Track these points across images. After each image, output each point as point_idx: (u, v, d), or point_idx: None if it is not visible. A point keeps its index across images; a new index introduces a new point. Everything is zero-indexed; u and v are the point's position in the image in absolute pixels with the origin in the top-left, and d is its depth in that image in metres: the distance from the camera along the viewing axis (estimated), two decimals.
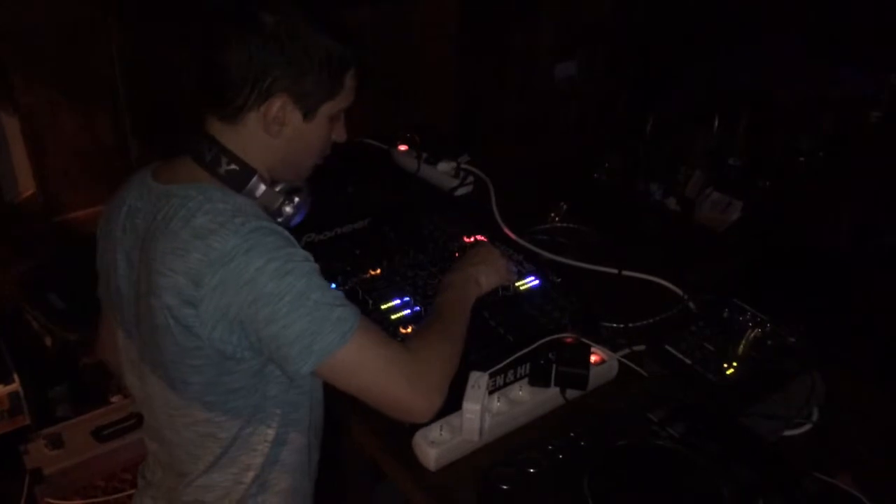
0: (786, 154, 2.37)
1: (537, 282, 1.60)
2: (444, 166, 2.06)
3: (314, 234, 1.73)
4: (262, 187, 1.22)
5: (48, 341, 2.33)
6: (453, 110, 2.96)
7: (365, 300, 1.51)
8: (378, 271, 1.60)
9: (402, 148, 2.14)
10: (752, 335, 1.46)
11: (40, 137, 2.40)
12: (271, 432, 1.29)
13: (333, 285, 1.54)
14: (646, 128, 2.35)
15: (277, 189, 1.26)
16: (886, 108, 2.60)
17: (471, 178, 2.06)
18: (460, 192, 2.02)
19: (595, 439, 1.27)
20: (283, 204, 1.26)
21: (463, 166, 2.07)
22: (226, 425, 1.25)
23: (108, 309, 1.37)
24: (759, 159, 2.29)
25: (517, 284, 1.58)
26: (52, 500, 2.19)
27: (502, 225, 1.87)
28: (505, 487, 1.19)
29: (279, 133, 1.21)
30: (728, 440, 1.28)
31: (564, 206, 1.99)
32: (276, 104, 1.18)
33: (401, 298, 1.52)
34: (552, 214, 1.98)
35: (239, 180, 1.21)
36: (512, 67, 2.99)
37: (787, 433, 1.38)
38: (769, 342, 1.47)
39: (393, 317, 1.48)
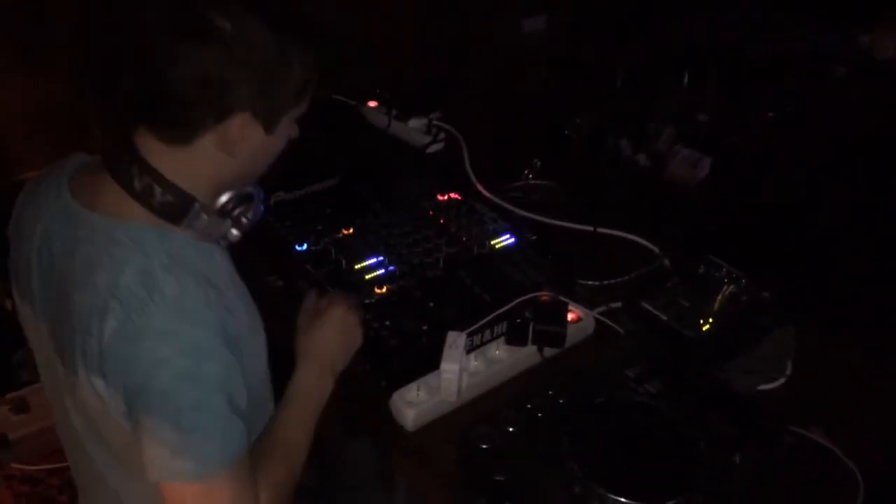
0: (753, 109, 2.37)
1: (512, 240, 1.59)
2: (416, 123, 2.02)
3: (283, 192, 1.69)
4: (205, 217, 1.06)
5: (8, 304, 2.28)
6: (418, 66, 2.91)
7: (338, 260, 1.49)
8: (350, 230, 1.58)
9: (372, 104, 2.09)
10: (728, 291, 1.47)
11: None
12: None
13: (305, 246, 1.52)
14: (614, 83, 2.33)
15: (224, 201, 1.09)
16: (851, 63, 2.60)
17: (442, 135, 2.02)
18: (432, 149, 1.99)
19: (573, 397, 1.27)
20: (229, 228, 1.11)
21: (435, 123, 2.03)
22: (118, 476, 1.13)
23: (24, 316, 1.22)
24: (727, 115, 2.29)
25: (492, 243, 1.57)
26: (18, 466, 2.15)
27: (475, 182, 1.85)
28: (484, 447, 1.19)
29: (238, 152, 1.04)
30: (704, 395, 1.29)
31: (538, 163, 1.97)
32: (236, 123, 1.01)
33: (375, 258, 1.50)
34: (525, 171, 1.96)
35: (176, 212, 1.04)
36: (478, 22, 2.93)
37: (762, 387, 1.39)
38: (744, 298, 1.48)
39: (367, 276, 1.46)
